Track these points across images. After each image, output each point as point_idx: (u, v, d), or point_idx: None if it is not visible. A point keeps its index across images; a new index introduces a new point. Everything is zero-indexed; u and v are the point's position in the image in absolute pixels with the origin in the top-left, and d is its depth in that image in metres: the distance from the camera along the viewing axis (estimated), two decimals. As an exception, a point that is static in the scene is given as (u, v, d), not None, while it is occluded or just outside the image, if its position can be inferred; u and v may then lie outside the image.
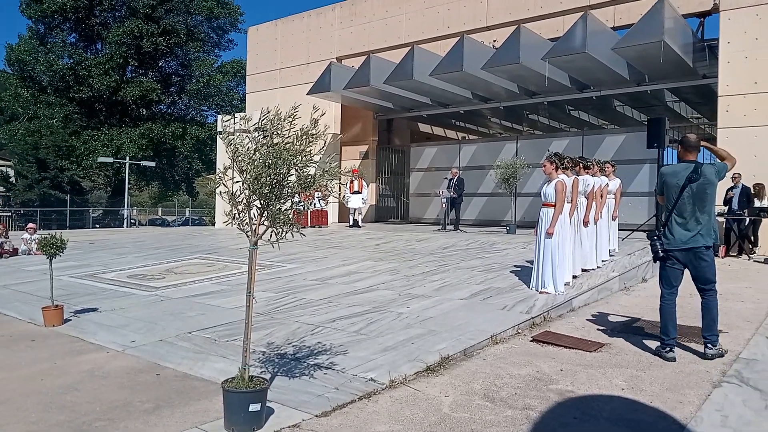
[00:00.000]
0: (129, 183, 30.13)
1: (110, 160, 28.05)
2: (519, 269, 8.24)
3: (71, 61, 31.18)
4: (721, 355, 4.76)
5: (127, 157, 28.31)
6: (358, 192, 16.20)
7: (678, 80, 13.90)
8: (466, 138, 22.61)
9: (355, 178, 16.09)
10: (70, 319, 6.12)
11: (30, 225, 12.40)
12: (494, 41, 15.33)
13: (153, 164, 30.00)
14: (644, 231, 11.90)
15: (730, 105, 11.70)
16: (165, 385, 4.22)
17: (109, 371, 4.55)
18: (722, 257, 10.54)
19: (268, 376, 4.09)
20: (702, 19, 14.16)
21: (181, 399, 3.93)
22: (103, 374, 4.48)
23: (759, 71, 11.34)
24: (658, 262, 5.00)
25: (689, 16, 13.65)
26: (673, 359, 4.74)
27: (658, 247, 4.83)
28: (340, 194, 16.29)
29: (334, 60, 17.84)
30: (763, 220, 10.98)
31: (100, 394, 4.06)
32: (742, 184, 10.99)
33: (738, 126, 11.51)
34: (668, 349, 4.82)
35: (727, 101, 11.75)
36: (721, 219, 10.61)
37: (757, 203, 11.08)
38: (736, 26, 11.61)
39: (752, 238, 11.16)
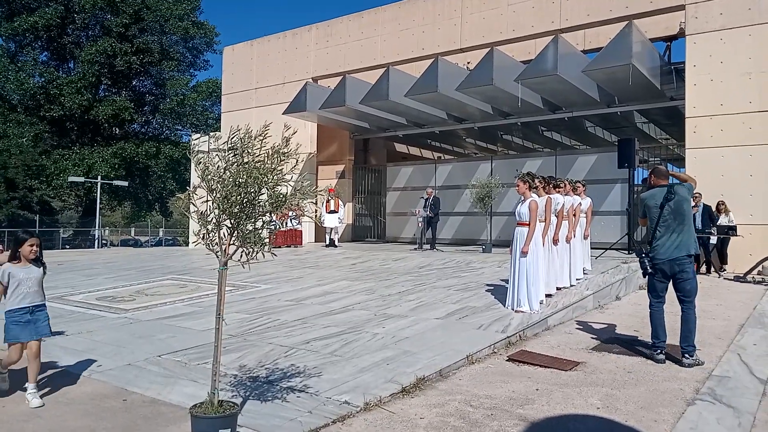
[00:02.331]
0: (101, 203, 29.62)
1: (81, 179, 27.57)
2: (495, 288, 8.25)
3: (42, 79, 30.77)
4: (699, 364, 5.05)
5: (99, 177, 27.85)
6: (334, 211, 16.13)
7: (647, 102, 14.24)
8: (442, 158, 22.78)
9: (332, 198, 16.04)
10: (35, 344, 5.90)
11: (-5, 246, 12.05)
12: (468, 63, 15.57)
13: (125, 184, 29.58)
14: (617, 249, 12.06)
15: (697, 126, 12.00)
16: (132, 411, 4.08)
17: (73, 397, 4.39)
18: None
19: (239, 401, 3.98)
20: (669, 43, 14.61)
21: (149, 426, 3.80)
22: (67, 400, 4.32)
23: (724, 93, 11.67)
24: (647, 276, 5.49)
25: (656, 40, 14.06)
26: (663, 361, 5.19)
27: (647, 263, 5.32)
28: (315, 214, 16.21)
29: (310, 80, 17.90)
30: (731, 238, 11.21)
31: (63, 422, 3.90)
32: (703, 204, 11.24)
33: (705, 147, 11.80)
34: (659, 351, 5.28)
35: (694, 122, 12.05)
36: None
37: (724, 220, 11.31)
38: (702, 50, 11.96)
39: (722, 256, 11.35)
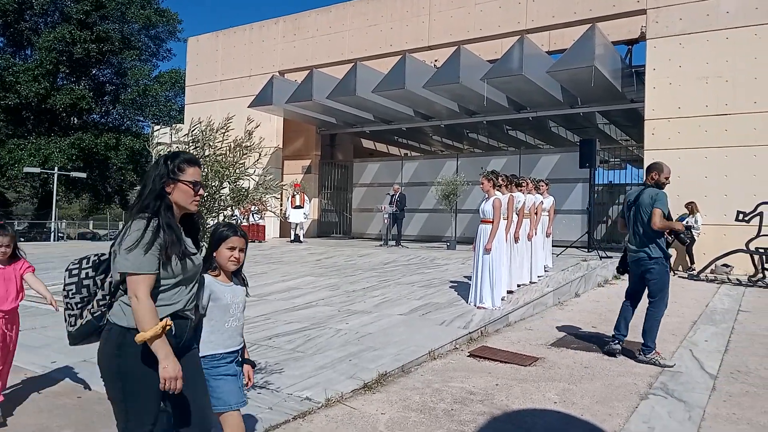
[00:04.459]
0: (57, 195, 28.68)
1: (37, 170, 26.66)
2: (458, 284, 8.33)
3: (-3, 66, 29.60)
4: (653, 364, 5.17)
5: (56, 168, 27.00)
6: (299, 206, 16.03)
7: (608, 104, 14.56)
8: (409, 155, 22.85)
9: (297, 193, 15.93)
10: (-15, 339, 5.70)
11: (-56, 238, 11.53)
12: (435, 61, 15.64)
13: (83, 175, 28.71)
14: (577, 247, 12.32)
15: (655, 128, 12.33)
16: (87, 408, 3.98)
17: (27, 394, 4.25)
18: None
19: (198, 397, 3.92)
20: (630, 47, 14.97)
21: (103, 423, 3.71)
22: (20, 397, 4.19)
23: (682, 97, 12.02)
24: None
25: (618, 43, 14.39)
26: (614, 351, 5.38)
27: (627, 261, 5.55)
28: (280, 209, 16.08)
29: (277, 73, 17.71)
30: (696, 238, 11.53)
31: (15, 419, 3.79)
32: None
33: (663, 148, 12.13)
34: (616, 342, 5.45)
35: (653, 125, 12.38)
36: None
37: (691, 221, 11.60)
38: (662, 54, 12.29)
39: (689, 256, 11.65)
